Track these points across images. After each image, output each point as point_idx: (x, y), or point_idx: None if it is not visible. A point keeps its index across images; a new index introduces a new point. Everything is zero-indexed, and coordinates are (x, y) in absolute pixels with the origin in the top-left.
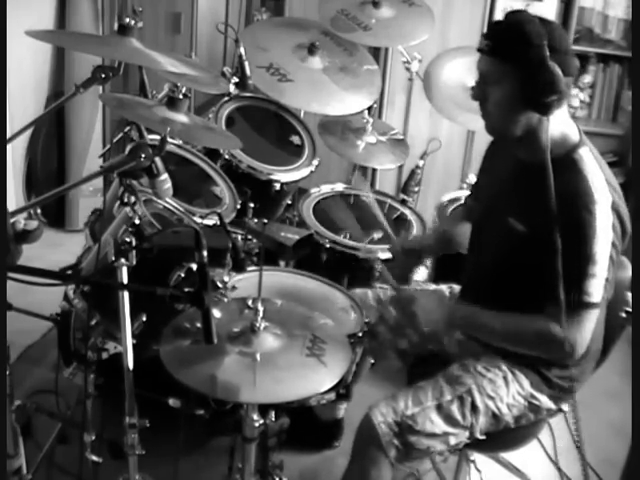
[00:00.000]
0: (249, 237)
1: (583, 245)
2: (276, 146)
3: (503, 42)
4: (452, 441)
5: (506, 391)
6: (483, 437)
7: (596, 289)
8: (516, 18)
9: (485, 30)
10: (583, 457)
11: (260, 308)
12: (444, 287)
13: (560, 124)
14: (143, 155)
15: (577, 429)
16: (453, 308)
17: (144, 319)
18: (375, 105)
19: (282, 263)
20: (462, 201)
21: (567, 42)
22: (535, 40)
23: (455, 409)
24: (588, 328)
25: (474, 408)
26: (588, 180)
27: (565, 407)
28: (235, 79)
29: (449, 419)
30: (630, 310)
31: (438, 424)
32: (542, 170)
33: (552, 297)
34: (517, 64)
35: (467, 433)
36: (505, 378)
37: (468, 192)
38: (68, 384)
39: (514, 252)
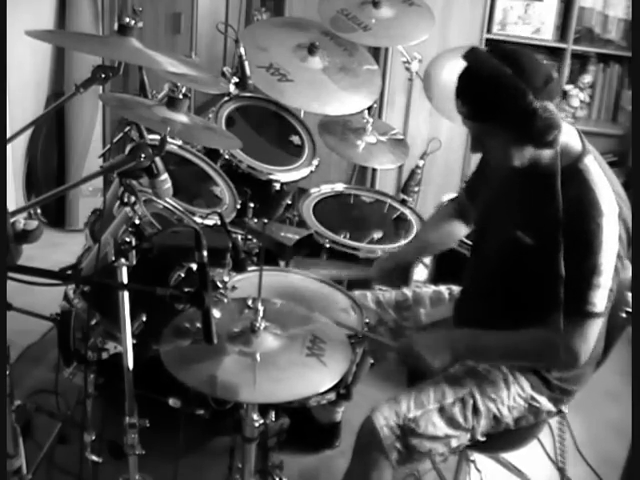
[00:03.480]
0: (249, 237)
1: (589, 256)
2: (276, 146)
3: (482, 106)
4: (453, 443)
5: (507, 393)
6: (483, 439)
7: (600, 300)
8: (484, 72)
9: (458, 85)
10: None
11: (260, 308)
12: (443, 288)
13: (562, 134)
14: (143, 155)
15: (560, 436)
16: (454, 338)
17: (144, 319)
18: (375, 105)
19: (282, 263)
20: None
21: (540, 68)
22: (515, 95)
23: (457, 411)
24: (592, 337)
25: (476, 410)
26: (595, 191)
27: (565, 409)
28: (235, 79)
29: (451, 421)
30: (630, 310)
31: (440, 427)
32: (549, 180)
33: (556, 306)
34: (505, 121)
35: (468, 435)
36: (506, 380)
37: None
38: (68, 384)
39: (518, 260)
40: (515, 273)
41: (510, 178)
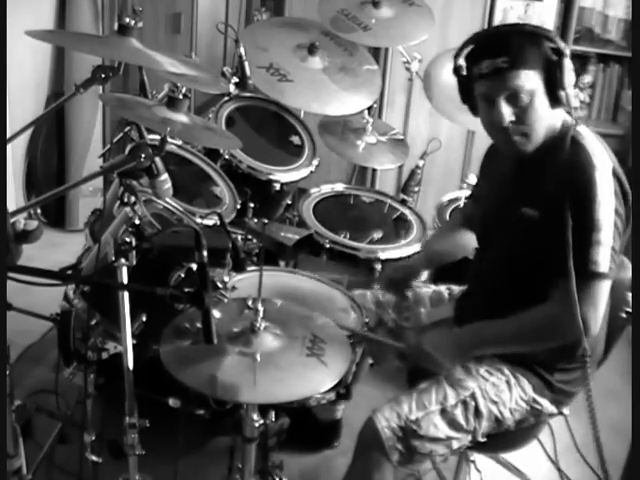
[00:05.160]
0: (249, 237)
1: (585, 212)
2: (276, 146)
3: (522, 51)
4: (455, 445)
5: (509, 396)
6: (484, 439)
7: (603, 257)
8: (515, 26)
9: (491, 48)
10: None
11: (260, 308)
12: (443, 288)
13: (559, 115)
14: (143, 155)
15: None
16: (462, 334)
17: (144, 319)
18: (375, 105)
19: (282, 263)
20: (460, 205)
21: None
22: (549, 36)
23: (459, 413)
24: (601, 302)
25: (477, 413)
26: (586, 149)
27: (566, 411)
28: (235, 79)
29: (453, 423)
30: (630, 310)
31: (442, 428)
32: (541, 154)
33: (563, 271)
34: (541, 65)
35: (470, 437)
36: (508, 382)
37: (466, 197)
38: (68, 384)
39: (527, 240)
40: (521, 263)
41: (508, 167)
